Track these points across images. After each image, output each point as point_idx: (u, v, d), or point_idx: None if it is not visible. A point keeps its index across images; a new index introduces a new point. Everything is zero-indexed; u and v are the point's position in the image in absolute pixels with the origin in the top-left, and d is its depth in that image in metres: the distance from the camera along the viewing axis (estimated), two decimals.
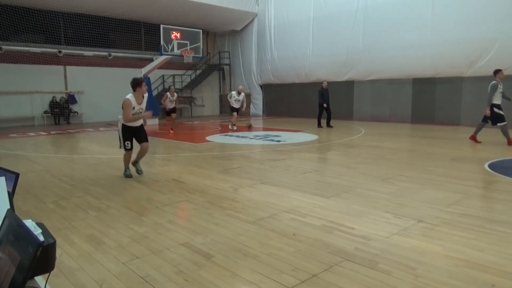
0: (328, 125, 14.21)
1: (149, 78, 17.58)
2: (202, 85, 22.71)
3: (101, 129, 15.18)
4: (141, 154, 6.16)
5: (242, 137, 11.65)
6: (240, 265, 2.90)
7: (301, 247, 3.19)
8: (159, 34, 16.68)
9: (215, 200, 4.69)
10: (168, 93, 12.89)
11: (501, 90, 8.82)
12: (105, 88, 18.60)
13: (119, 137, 6.01)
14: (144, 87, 5.73)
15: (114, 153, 8.39)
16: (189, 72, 22.18)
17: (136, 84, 5.72)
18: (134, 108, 5.69)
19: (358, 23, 16.70)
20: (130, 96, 5.69)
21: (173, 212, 4.31)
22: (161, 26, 16.70)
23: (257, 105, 22.60)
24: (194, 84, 22.16)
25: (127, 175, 6.09)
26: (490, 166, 6.52)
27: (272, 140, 10.67)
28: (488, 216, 3.96)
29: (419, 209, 4.18)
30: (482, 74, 13.33)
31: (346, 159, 7.58)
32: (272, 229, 3.65)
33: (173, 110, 13.07)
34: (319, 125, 14.28)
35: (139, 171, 6.14)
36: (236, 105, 13.58)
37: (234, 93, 13.61)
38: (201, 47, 18.33)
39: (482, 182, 5.39)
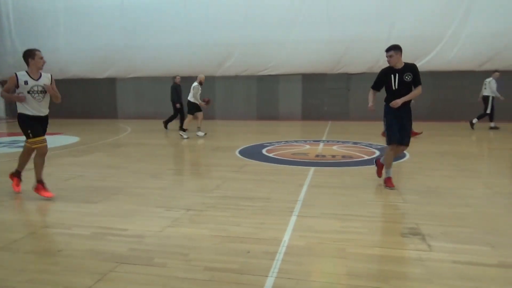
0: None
1: None
2: None
3: None
4: None
5: None
6: None
7: (69, 263, 2.88)
8: None
9: None
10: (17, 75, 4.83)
11: None
12: None
13: None
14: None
15: None
16: None
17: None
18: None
19: (115, 18, 16.21)
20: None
21: None
22: None
23: None
24: None
25: None
26: (240, 152, 7.73)
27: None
28: (241, 194, 4.68)
29: (188, 199, 4.51)
30: (229, 74, 15.77)
31: (113, 159, 7.31)
32: (30, 251, 3.13)
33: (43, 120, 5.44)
34: (166, 127, 12.25)
35: None
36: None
37: (198, 85, 10.56)
38: None
39: (236, 167, 6.32)
